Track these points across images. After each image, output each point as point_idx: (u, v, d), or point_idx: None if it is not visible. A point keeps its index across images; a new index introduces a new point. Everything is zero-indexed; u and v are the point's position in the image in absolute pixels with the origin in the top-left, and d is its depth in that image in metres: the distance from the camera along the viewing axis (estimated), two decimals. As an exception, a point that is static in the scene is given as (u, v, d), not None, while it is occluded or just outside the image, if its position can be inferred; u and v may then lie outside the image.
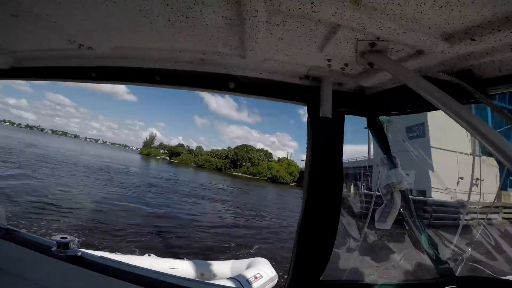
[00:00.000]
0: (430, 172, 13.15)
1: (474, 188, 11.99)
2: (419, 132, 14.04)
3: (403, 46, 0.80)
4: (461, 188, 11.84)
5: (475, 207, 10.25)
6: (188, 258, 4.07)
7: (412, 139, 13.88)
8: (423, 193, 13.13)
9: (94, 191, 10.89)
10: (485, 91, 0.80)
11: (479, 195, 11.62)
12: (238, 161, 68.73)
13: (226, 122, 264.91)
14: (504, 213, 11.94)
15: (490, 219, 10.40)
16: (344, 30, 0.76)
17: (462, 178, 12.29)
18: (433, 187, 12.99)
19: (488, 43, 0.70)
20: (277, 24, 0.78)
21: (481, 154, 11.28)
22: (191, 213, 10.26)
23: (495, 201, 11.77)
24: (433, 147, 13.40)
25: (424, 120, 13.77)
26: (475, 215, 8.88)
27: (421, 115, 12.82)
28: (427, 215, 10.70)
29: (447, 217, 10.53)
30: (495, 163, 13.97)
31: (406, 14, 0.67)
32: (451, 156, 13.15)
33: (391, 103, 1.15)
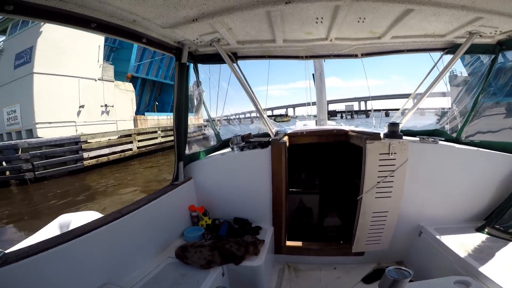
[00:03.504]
0: (35, 104, 10.50)
1: (105, 116, 12.09)
2: (27, 58, 11.12)
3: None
4: (86, 119, 10.97)
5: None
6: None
7: (19, 67, 11.28)
8: (30, 132, 10.47)
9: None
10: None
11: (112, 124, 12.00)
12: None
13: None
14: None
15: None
16: None
17: (83, 106, 11.06)
18: (39, 123, 10.19)
19: None
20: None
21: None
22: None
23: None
24: (37, 73, 10.73)
25: (33, 43, 10.94)
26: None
27: (33, 38, 10.84)
28: (27, 166, 8.28)
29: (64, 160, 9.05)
30: (131, 87, 14.28)
31: None
32: (69, 83, 11.18)
33: None
